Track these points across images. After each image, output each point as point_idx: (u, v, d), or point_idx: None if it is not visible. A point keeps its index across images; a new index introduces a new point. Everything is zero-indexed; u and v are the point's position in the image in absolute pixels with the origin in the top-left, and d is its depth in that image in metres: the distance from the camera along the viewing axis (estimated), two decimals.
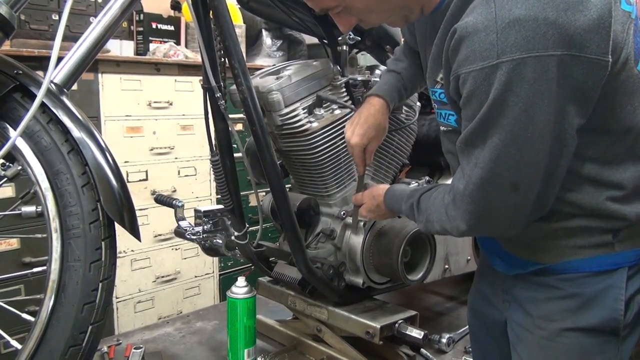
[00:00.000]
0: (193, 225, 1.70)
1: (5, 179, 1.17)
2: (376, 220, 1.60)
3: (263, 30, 3.23)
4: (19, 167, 1.16)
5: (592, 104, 0.86)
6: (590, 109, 0.86)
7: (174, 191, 2.63)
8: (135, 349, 1.72)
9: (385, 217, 1.49)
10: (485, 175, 0.88)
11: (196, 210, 1.67)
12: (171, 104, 2.58)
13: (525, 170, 0.87)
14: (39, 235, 1.22)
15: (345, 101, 1.60)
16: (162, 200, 1.77)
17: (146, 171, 2.53)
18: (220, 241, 1.65)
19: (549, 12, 0.79)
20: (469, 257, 1.96)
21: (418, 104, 1.75)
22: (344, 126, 1.48)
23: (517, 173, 0.87)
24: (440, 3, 0.97)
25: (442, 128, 1.07)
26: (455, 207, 0.97)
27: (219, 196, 1.61)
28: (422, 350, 1.70)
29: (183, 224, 1.71)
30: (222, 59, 1.44)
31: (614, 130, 0.91)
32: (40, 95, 1.06)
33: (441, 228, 1.03)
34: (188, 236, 1.69)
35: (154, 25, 2.80)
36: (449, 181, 1.06)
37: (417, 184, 1.76)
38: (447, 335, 1.79)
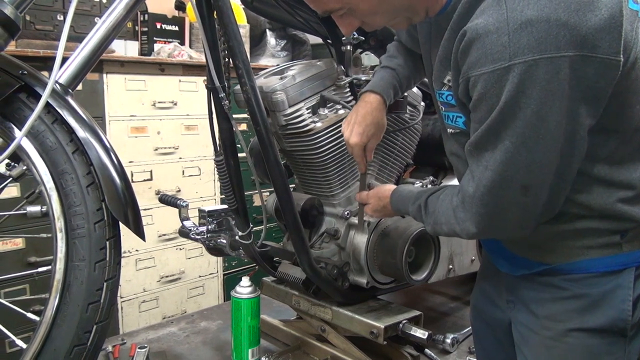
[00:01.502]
0: (197, 225, 1.70)
1: (11, 178, 1.17)
2: (380, 221, 1.60)
3: (267, 31, 3.23)
4: (24, 167, 1.16)
5: (603, 104, 0.85)
6: (601, 109, 0.86)
7: (179, 191, 2.63)
8: (139, 348, 1.72)
9: (390, 217, 1.49)
10: (496, 177, 0.88)
11: (200, 210, 1.67)
12: (175, 104, 2.59)
13: (536, 172, 0.87)
14: (44, 235, 1.22)
15: (349, 101, 1.60)
16: (167, 200, 1.77)
17: (150, 171, 2.53)
18: (225, 241, 1.65)
19: (560, 13, 0.78)
20: (473, 257, 1.95)
21: (422, 103, 1.75)
22: None
23: (528, 175, 0.87)
24: (446, 5, 0.96)
25: (448, 130, 1.06)
26: (464, 210, 0.96)
27: (223, 196, 1.62)
28: (427, 350, 1.70)
29: (187, 223, 1.71)
30: (226, 59, 1.44)
31: (624, 130, 0.91)
32: (45, 95, 1.06)
33: (450, 230, 1.02)
34: (192, 236, 1.69)
35: (158, 26, 2.80)
36: (454, 181, 1.06)
37: (421, 184, 1.76)
38: (452, 336, 1.79)
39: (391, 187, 1.33)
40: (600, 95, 0.84)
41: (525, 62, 0.79)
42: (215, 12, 1.36)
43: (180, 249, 2.68)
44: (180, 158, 2.64)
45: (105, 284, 1.12)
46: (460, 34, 0.87)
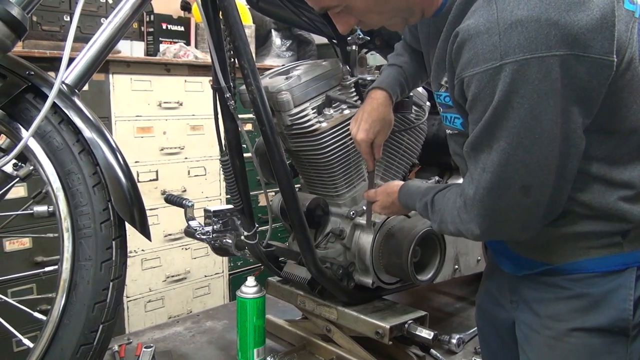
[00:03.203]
0: (203, 225, 1.70)
1: (18, 178, 1.18)
2: (386, 221, 1.60)
3: (272, 31, 3.24)
4: (31, 167, 1.17)
5: (597, 103, 0.85)
6: (595, 108, 0.86)
7: (184, 191, 2.64)
8: (145, 348, 1.72)
9: (399, 214, 1.48)
10: (495, 179, 0.88)
11: (206, 210, 1.67)
12: (181, 104, 2.60)
13: (535, 173, 0.87)
14: (51, 235, 1.23)
15: (355, 101, 1.59)
16: (172, 200, 1.77)
17: (156, 171, 2.54)
18: (230, 241, 1.65)
19: (551, 13, 0.78)
20: (479, 258, 1.95)
21: (428, 103, 1.75)
22: None
23: (527, 176, 0.87)
24: (442, 6, 0.97)
25: (448, 131, 1.07)
26: (466, 212, 0.96)
27: (229, 196, 1.62)
28: (432, 350, 1.69)
29: (193, 223, 1.72)
30: (232, 59, 1.44)
31: (620, 130, 0.91)
32: (51, 95, 1.07)
33: (455, 230, 1.02)
34: (198, 236, 1.69)
35: (164, 26, 2.82)
36: (459, 181, 1.06)
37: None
38: (457, 336, 1.79)
39: (399, 183, 1.33)
40: (593, 95, 0.84)
41: (516, 62, 0.79)
42: (220, 13, 1.37)
43: (186, 249, 2.69)
44: (186, 158, 2.65)
45: (111, 283, 1.12)
46: (453, 35, 0.88)
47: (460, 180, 1.05)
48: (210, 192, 2.76)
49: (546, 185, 0.88)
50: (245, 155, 1.54)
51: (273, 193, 1.75)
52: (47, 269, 1.29)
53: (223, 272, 2.86)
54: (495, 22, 0.81)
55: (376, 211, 1.43)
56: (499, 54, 0.80)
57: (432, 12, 0.99)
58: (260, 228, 1.60)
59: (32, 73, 1.15)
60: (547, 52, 0.79)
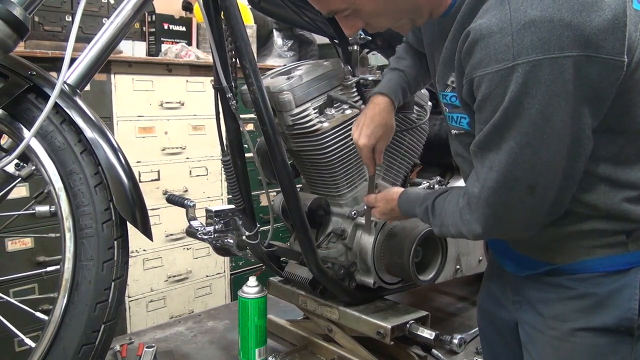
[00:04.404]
0: (204, 225, 1.70)
1: (20, 178, 1.18)
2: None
3: (274, 31, 3.24)
4: (33, 167, 1.17)
5: (606, 104, 0.85)
6: (604, 109, 0.86)
7: (186, 191, 2.64)
8: (147, 347, 1.73)
9: (399, 220, 1.49)
10: (501, 178, 0.88)
11: (207, 210, 1.67)
12: (183, 104, 2.60)
13: (541, 173, 0.87)
14: (53, 235, 1.23)
15: (356, 101, 1.59)
16: (174, 200, 1.77)
17: (158, 171, 2.54)
18: (232, 241, 1.65)
19: (564, 13, 0.78)
20: (480, 258, 1.95)
21: (429, 103, 1.74)
22: None
23: (534, 175, 0.87)
24: (450, 6, 0.96)
25: (453, 131, 1.06)
26: (470, 211, 0.96)
27: (230, 196, 1.62)
28: (434, 350, 1.69)
29: (194, 223, 1.72)
30: (233, 59, 1.44)
31: (629, 130, 0.90)
32: (53, 96, 1.07)
33: (456, 232, 1.02)
34: (199, 236, 1.69)
35: (165, 26, 2.82)
36: (460, 182, 1.06)
37: (428, 184, 1.76)
38: (459, 336, 1.79)
39: (399, 189, 1.33)
40: (603, 96, 0.84)
41: (529, 62, 0.79)
42: (222, 13, 1.37)
43: (188, 249, 2.69)
44: (188, 158, 2.65)
45: (113, 283, 1.13)
46: (464, 35, 0.87)
47: (461, 182, 1.06)
48: (212, 192, 2.76)
49: (552, 185, 0.88)
50: (246, 155, 1.54)
51: (274, 193, 1.75)
52: (48, 268, 1.29)
53: (224, 272, 2.86)
54: (509, 22, 0.80)
55: (376, 216, 1.43)
56: (512, 54, 0.80)
57: (441, 13, 0.98)
58: (261, 228, 1.60)
59: (34, 73, 1.15)
60: (560, 53, 0.78)
